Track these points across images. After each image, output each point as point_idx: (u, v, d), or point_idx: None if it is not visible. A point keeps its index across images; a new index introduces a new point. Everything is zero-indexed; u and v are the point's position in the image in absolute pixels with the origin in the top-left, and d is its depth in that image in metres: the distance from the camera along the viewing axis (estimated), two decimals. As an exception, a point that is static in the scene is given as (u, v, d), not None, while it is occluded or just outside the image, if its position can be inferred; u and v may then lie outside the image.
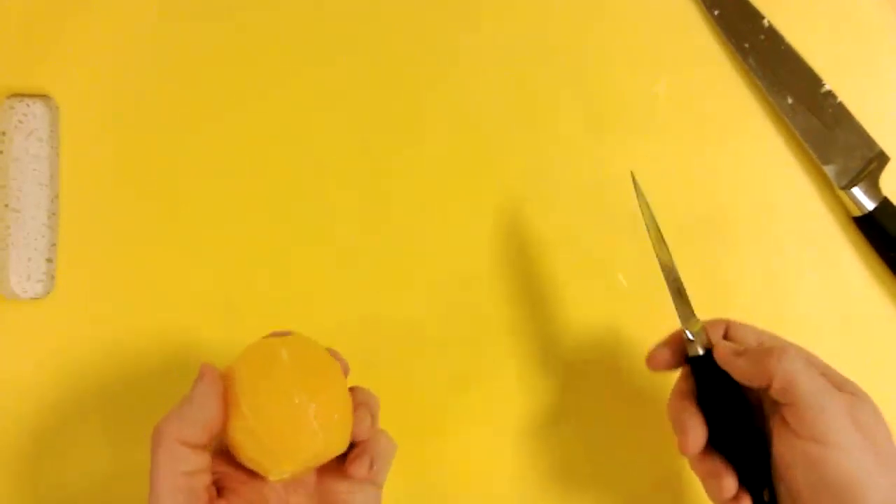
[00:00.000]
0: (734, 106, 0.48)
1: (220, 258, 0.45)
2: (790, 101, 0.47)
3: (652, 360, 0.40)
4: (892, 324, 0.47)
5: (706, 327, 0.39)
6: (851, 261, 0.47)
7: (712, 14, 0.48)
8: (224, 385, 0.32)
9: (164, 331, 0.44)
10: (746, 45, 0.48)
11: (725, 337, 0.39)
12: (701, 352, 0.38)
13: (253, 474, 0.33)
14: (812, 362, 0.36)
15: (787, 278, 0.47)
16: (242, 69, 0.46)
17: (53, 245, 0.45)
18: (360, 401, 0.35)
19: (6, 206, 0.45)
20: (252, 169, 0.46)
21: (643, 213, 0.39)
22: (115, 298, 0.44)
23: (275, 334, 0.35)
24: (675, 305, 0.39)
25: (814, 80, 0.47)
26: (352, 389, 0.35)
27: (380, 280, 0.45)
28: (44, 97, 0.45)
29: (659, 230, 0.39)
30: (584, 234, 0.46)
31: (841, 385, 0.35)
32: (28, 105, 0.45)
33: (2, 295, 0.44)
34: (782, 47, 0.48)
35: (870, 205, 0.46)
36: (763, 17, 0.48)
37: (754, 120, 0.48)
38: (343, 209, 0.46)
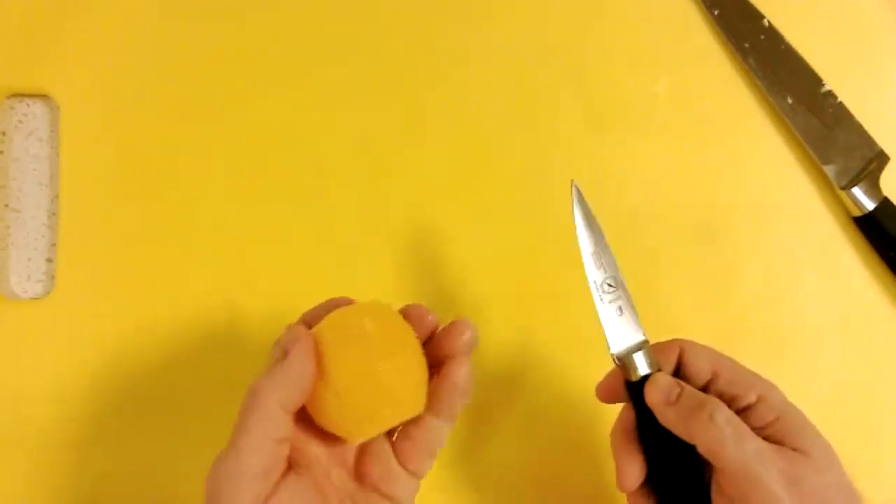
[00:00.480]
0: (734, 106, 0.48)
1: (220, 258, 0.45)
2: (790, 101, 0.47)
3: (600, 390, 0.37)
4: (892, 324, 0.47)
5: (656, 349, 0.35)
6: (851, 261, 0.47)
7: (712, 14, 0.48)
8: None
9: (163, 331, 0.44)
10: (746, 45, 0.48)
11: (679, 361, 0.35)
12: (641, 375, 0.34)
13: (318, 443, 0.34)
14: (777, 402, 0.33)
15: (787, 278, 0.47)
16: (243, 69, 0.46)
17: (53, 245, 0.45)
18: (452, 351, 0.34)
19: (6, 206, 0.45)
20: (252, 169, 0.46)
21: (579, 225, 0.36)
22: (116, 298, 0.44)
23: (333, 302, 0.35)
24: (608, 327, 0.35)
25: (814, 80, 0.47)
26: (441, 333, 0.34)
27: (380, 280, 0.45)
28: (44, 97, 0.45)
29: (601, 242, 0.36)
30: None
31: (786, 438, 0.32)
32: (28, 105, 0.45)
33: (2, 295, 0.44)
34: (782, 47, 0.48)
35: (870, 205, 0.46)
36: (763, 17, 0.48)
37: (754, 120, 0.48)
38: (343, 209, 0.46)
